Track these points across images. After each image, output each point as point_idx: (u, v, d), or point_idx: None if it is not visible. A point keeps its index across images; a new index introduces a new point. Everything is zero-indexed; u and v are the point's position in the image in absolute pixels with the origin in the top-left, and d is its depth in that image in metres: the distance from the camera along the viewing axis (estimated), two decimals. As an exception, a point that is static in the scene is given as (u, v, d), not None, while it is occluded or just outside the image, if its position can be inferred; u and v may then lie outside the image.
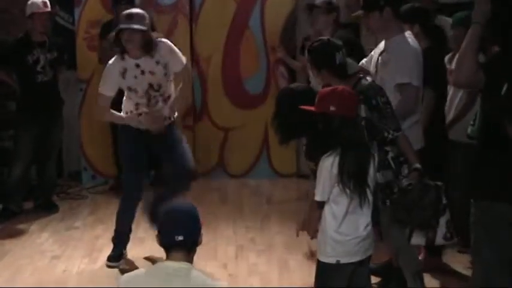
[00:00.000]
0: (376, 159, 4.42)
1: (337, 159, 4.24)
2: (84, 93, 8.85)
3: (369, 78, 5.05)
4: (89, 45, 8.45)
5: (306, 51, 5.15)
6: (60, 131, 8.01)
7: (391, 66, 5.33)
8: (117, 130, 6.54)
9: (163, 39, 6.11)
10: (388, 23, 5.41)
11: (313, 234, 4.51)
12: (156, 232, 3.71)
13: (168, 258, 3.64)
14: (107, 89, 6.07)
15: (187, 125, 8.93)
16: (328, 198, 4.32)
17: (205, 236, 6.60)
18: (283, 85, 8.92)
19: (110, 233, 6.48)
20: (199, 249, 3.71)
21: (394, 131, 4.90)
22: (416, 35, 5.71)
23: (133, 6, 7.61)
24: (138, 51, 5.96)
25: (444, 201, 4.77)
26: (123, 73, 6.00)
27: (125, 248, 6.40)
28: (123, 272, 5.83)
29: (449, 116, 6.23)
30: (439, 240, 4.83)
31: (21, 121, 7.69)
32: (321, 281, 4.44)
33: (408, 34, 5.52)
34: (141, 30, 5.86)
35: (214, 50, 8.91)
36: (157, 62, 6.02)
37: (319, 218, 4.38)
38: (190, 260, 3.64)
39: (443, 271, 6.00)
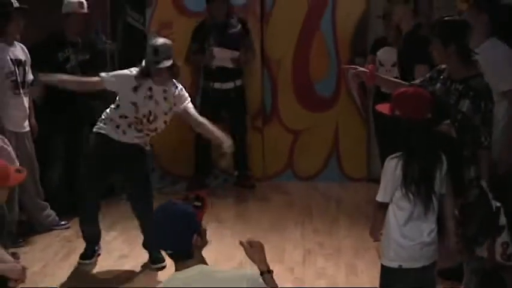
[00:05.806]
0: (445, 165, 4.30)
1: (401, 161, 4.17)
2: (154, 93, 8.84)
3: (486, 80, 4.85)
4: (160, 46, 8.42)
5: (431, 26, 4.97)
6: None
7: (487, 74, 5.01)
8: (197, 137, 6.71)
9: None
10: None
11: (376, 237, 4.43)
12: None
13: (176, 265, 3.41)
14: (110, 82, 6.02)
15: (257, 126, 8.90)
16: (392, 201, 4.24)
17: (273, 238, 6.69)
18: (353, 88, 8.84)
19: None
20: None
21: (490, 140, 4.76)
22: None
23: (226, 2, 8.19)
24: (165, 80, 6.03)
25: (502, 223, 4.63)
26: (136, 88, 5.98)
27: (97, 244, 6.59)
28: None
29: None
30: (498, 257, 4.70)
31: (50, 122, 7.43)
32: (384, 285, 4.38)
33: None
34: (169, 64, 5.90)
35: (285, 52, 8.84)
36: (165, 98, 6.04)
37: (382, 220, 4.30)
38: (196, 262, 3.36)
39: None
